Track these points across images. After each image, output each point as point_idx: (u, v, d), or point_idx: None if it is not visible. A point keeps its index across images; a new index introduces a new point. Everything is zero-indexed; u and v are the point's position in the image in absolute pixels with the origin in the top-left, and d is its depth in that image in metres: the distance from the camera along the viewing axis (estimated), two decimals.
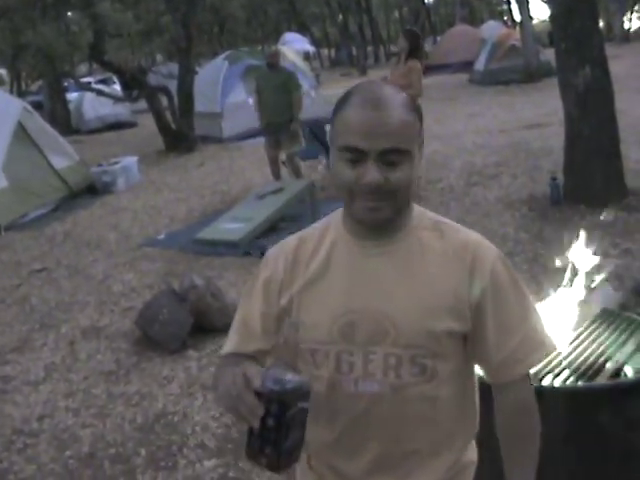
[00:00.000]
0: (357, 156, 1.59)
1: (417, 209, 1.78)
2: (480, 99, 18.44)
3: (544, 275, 5.59)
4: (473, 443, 1.90)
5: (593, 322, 3.46)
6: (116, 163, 13.39)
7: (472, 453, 1.89)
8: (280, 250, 1.84)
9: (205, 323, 5.77)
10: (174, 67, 18.44)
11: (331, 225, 1.80)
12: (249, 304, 1.86)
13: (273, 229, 8.41)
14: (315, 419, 1.81)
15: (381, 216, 1.64)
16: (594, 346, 3.17)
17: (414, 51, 8.71)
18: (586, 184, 7.92)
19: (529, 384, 1.79)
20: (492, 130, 13.55)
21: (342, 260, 1.73)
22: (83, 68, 38.61)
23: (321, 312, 1.71)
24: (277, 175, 10.49)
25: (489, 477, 1.99)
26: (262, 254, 1.94)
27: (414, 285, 1.68)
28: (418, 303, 1.67)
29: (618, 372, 3.02)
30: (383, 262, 1.70)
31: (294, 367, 1.58)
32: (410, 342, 1.66)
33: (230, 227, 8.41)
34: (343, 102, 1.66)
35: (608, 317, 3.51)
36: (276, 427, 1.43)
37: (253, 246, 7.80)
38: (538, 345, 1.74)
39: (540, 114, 14.91)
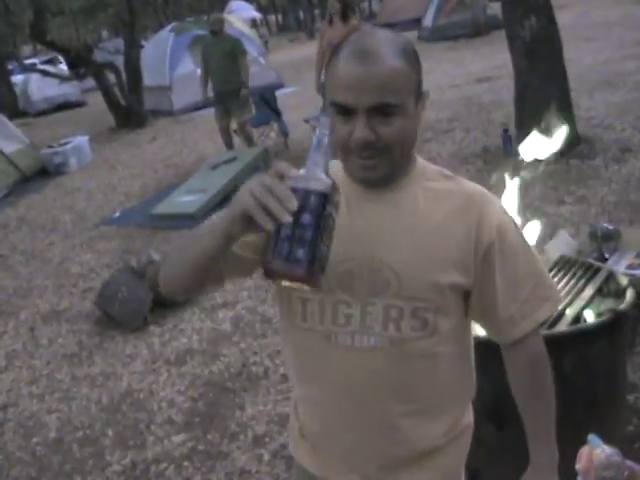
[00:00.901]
0: (346, 112, 1.50)
1: (420, 160, 1.69)
2: (429, 56, 18.34)
3: None
4: (470, 406, 1.86)
5: (551, 269, 3.46)
6: (67, 143, 13.17)
7: (469, 417, 1.85)
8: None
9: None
10: (120, 43, 18.16)
11: (333, 169, 1.68)
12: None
13: (228, 199, 8.29)
14: (306, 377, 1.77)
15: (376, 174, 1.55)
16: None
17: (348, 10, 8.80)
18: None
19: (539, 338, 1.73)
20: (443, 86, 13.51)
21: (342, 204, 1.57)
22: (27, 49, 37.89)
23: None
24: (229, 144, 10.39)
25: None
26: None
27: (418, 235, 1.59)
28: (422, 254, 1.58)
29: (578, 318, 3.03)
30: (386, 209, 1.61)
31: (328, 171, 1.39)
32: (413, 294, 1.58)
33: (185, 200, 8.34)
34: (335, 55, 1.56)
35: (566, 264, 3.52)
36: (313, 224, 1.30)
37: (209, 217, 7.73)
38: (546, 299, 1.70)
39: (490, 67, 14.91)
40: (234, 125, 10.32)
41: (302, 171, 1.34)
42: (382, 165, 1.54)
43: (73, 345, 5.58)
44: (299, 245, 1.28)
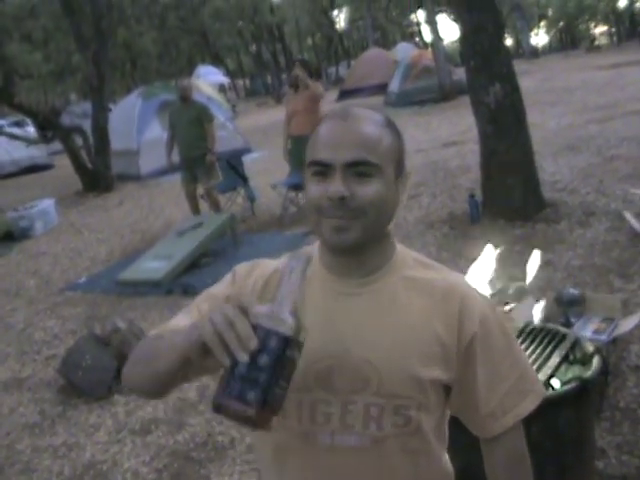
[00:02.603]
0: (323, 169, 1.49)
1: (400, 248, 1.65)
2: (396, 121, 18.13)
3: None
4: None
5: (517, 337, 3.48)
6: (33, 207, 13.12)
7: None
8: (252, 269, 1.69)
9: None
10: (88, 106, 18.23)
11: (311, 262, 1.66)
12: (193, 313, 1.65)
13: (195, 265, 8.33)
14: (282, 474, 1.69)
15: (349, 238, 1.49)
16: None
17: (312, 77, 9.18)
18: (504, 199, 8.03)
19: (520, 433, 1.67)
20: (409, 151, 13.56)
21: (318, 298, 1.58)
22: None
23: None
24: (196, 210, 10.40)
25: None
26: (185, 292, 1.81)
27: (398, 330, 1.55)
28: (403, 349, 1.54)
29: (546, 385, 3.04)
30: (363, 303, 1.57)
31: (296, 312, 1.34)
32: (394, 391, 1.53)
33: (151, 266, 8.30)
34: (321, 122, 1.57)
35: (532, 331, 3.55)
36: (269, 366, 1.24)
37: (175, 284, 7.71)
38: (528, 392, 1.64)
39: (456, 132, 15.15)
40: (201, 190, 10.35)
41: (266, 308, 1.31)
42: (355, 228, 1.49)
43: (35, 414, 5.47)
44: (251, 387, 1.24)
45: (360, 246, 1.53)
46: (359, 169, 1.47)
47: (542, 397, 1.66)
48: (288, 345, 1.27)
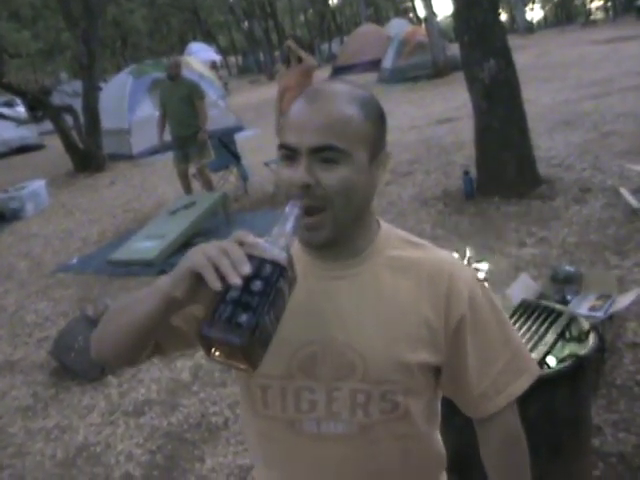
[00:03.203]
0: (290, 154, 1.43)
1: (384, 226, 1.60)
2: (390, 97, 18.53)
3: None
4: (444, 474, 1.77)
5: (512, 315, 3.47)
6: (23, 188, 13.05)
7: None
8: None
9: None
10: (79, 85, 18.12)
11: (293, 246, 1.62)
12: None
13: (188, 244, 8.27)
14: (270, 463, 1.67)
15: (319, 236, 1.45)
16: None
17: (304, 51, 9.22)
18: (498, 176, 8.02)
19: (514, 413, 1.63)
20: (403, 127, 13.65)
21: (300, 282, 1.45)
22: None
23: (276, 342, 1.46)
24: (188, 189, 10.35)
25: None
26: None
27: (383, 313, 1.51)
28: (388, 333, 1.49)
29: (541, 364, 3.03)
30: (346, 287, 1.53)
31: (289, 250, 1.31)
32: (381, 377, 1.50)
33: (143, 246, 8.27)
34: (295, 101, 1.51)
35: (527, 308, 3.53)
36: (262, 292, 1.21)
37: (168, 264, 7.67)
38: (522, 371, 1.60)
39: (450, 108, 15.11)
40: (193, 169, 10.31)
41: (262, 240, 1.30)
42: (325, 224, 1.44)
43: (28, 397, 5.46)
44: (244, 310, 1.20)
45: (333, 241, 1.48)
46: (324, 155, 1.41)
47: (536, 376, 1.63)
48: (281, 275, 1.25)
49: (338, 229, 1.46)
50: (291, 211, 1.36)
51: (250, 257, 1.24)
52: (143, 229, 8.94)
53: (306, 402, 1.54)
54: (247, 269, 1.21)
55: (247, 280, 1.22)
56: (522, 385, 1.60)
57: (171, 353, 1.62)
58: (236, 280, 1.20)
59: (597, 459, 3.52)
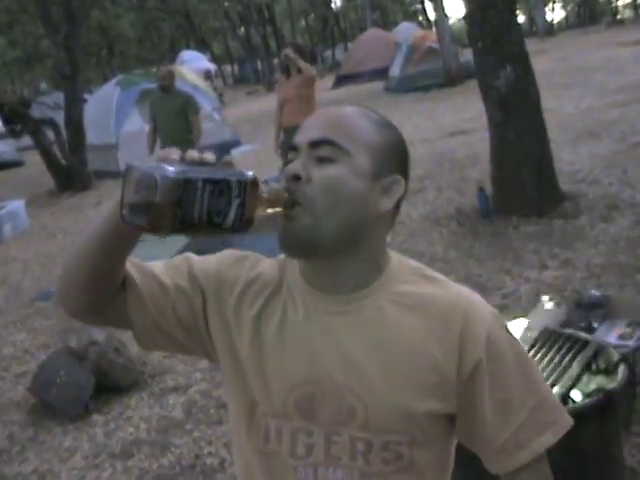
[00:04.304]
0: (293, 155, 1.48)
1: (395, 258, 1.58)
2: (398, 108, 18.61)
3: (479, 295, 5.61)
4: None
5: (533, 345, 3.46)
6: (1, 208, 13.07)
7: None
8: (243, 259, 1.66)
9: (109, 383, 5.62)
10: (61, 96, 18.20)
11: (289, 264, 1.61)
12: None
13: None
14: None
15: (292, 228, 1.43)
16: None
17: (304, 59, 9.18)
18: (517, 193, 8.01)
19: (542, 467, 1.56)
20: (413, 141, 13.63)
21: (299, 315, 1.53)
22: None
23: (273, 378, 1.52)
24: None
25: None
26: None
27: (389, 356, 1.48)
28: (392, 378, 1.47)
29: (565, 399, 3.01)
30: (349, 323, 1.51)
31: None
32: (383, 426, 1.48)
33: None
34: None
35: (549, 337, 3.52)
36: (210, 165, 1.29)
37: None
38: (549, 423, 1.53)
39: (463, 120, 15.13)
40: None
41: None
42: (301, 220, 1.43)
43: (2, 439, 5.41)
44: (186, 168, 1.25)
45: (310, 243, 1.45)
46: (323, 151, 1.44)
47: (567, 428, 1.56)
48: (240, 182, 1.29)
49: (318, 233, 1.44)
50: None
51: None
52: (131, 253, 8.92)
53: (302, 445, 1.53)
54: (211, 156, 1.29)
55: (204, 163, 1.28)
56: (548, 440, 1.54)
57: (146, 334, 1.62)
58: (194, 155, 1.28)
59: None
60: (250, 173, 1.31)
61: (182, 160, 1.28)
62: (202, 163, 1.28)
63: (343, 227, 1.45)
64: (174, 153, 1.29)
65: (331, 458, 1.51)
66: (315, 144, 1.45)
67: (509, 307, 5.62)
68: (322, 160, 1.44)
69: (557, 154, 8.71)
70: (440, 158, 11.88)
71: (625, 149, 10.08)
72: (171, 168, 1.21)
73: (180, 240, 8.51)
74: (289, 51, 9.12)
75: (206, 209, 1.25)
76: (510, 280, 6.27)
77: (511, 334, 1.57)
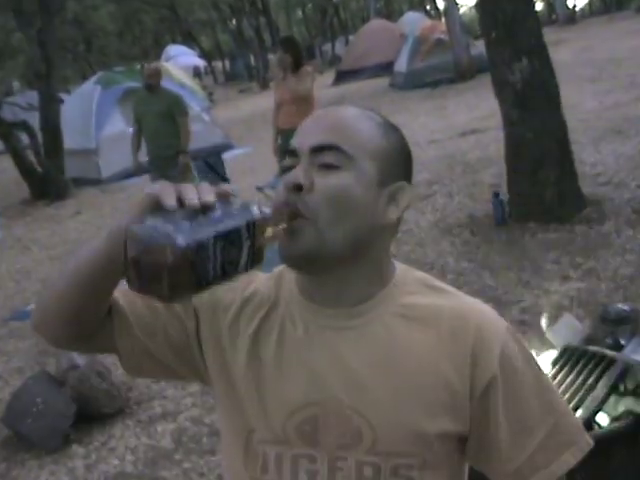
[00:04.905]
0: (292, 160, 1.48)
1: (400, 268, 1.60)
2: (405, 106, 18.68)
3: (494, 309, 5.61)
4: None
5: (555, 363, 3.46)
6: None
7: None
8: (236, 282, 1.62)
9: (91, 410, 5.59)
10: (35, 96, 18.20)
11: (284, 278, 1.61)
12: None
13: None
14: None
15: (297, 246, 1.42)
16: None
17: (299, 60, 9.16)
18: (535, 197, 8.00)
19: None
20: (420, 142, 13.67)
21: (298, 332, 1.54)
22: None
23: (271, 400, 1.52)
24: None
25: None
26: None
27: (397, 373, 1.49)
28: (401, 397, 1.48)
29: (590, 423, 3.01)
30: (353, 340, 1.51)
31: None
32: (392, 448, 1.47)
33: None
34: None
35: (572, 355, 3.52)
36: (218, 220, 1.27)
37: None
38: (567, 445, 1.53)
39: (476, 118, 15.15)
40: None
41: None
42: (305, 234, 1.43)
43: None
44: (194, 228, 1.23)
45: (316, 259, 1.45)
46: (326, 158, 1.45)
47: (587, 450, 1.56)
48: (247, 223, 1.28)
49: (323, 247, 1.44)
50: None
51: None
52: None
53: (304, 473, 1.52)
54: (211, 197, 1.26)
55: (206, 209, 1.26)
56: (568, 462, 1.53)
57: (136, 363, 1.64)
58: (194, 201, 1.24)
59: None
60: (255, 208, 1.31)
61: (181, 205, 1.26)
62: (204, 209, 1.26)
63: (349, 239, 1.46)
64: (169, 196, 1.26)
65: None
66: (318, 149, 1.45)
67: (527, 322, 5.62)
68: (326, 167, 1.44)
69: (579, 155, 8.73)
70: (450, 160, 11.89)
71: None
72: (180, 236, 1.20)
73: None
74: (279, 58, 9.19)
75: (220, 264, 1.27)
76: (528, 293, 6.27)
77: (526, 349, 1.58)
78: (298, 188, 1.42)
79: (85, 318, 1.53)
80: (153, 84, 10.04)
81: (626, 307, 4.65)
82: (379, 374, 1.49)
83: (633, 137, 10.88)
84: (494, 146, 10.79)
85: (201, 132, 15.75)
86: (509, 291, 6.41)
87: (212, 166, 10.96)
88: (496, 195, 8.22)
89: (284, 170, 1.49)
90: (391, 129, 1.55)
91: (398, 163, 1.53)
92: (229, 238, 1.26)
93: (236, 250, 1.28)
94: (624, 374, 3.27)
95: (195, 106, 17.29)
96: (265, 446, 1.54)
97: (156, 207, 1.27)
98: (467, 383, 1.48)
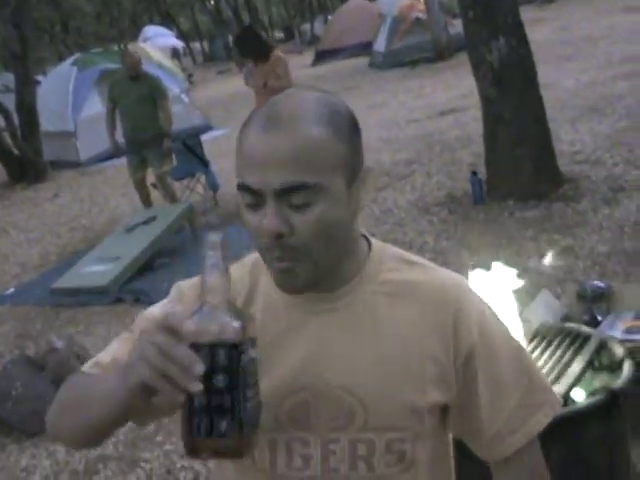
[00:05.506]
0: (254, 198, 1.41)
1: (376, 245, 1.60)
2: (383, 86, 18.64)
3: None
4: None
5: (531, 340, 3.47)
6: None
7: None
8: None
9: None
10: (10, 78, 18.04)
11: (260, 267, 1.57)
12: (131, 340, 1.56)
13: (149, 267, 8.28)
14: None
15: (298, 282, 1.44)
16: None
17: (264, 50, 9.03)
18: (512, 176, 8.03)
19: (535, 451, 1.64)
20: (399, 121, 13.69)
21: (281, 321, 1.54)
22: None
23: (263, 389, 1.46)
24: (147, 201, 10.33)
25: None
26: (137, 299, 1.74)
27: (382, 350, 1.51)
28: (390, 373, 1.50)
29: (566, 399, 3.02)
30: (337, 322, 1.53)
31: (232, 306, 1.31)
32: (385, 424, 1.50)
33: (95, 270, 8.24)
34: (245, 123, 1.46)
35: (548, 332, 3.53)
36: (229, 386, 1.24)
37: (125, 291, 7.67)
38: (539, 405, 1.61)
39: (454, 97, 15.14)
40: (152, 178, 10.26)
41: (197, 317, 1.28)
42: (302, 269, 1.43)
43: None
44: (220, 415, 1.24)
45: (314, 284, 1.48)
46: (295, 199, 1.39)
47: (558, 408, 1.65)
48: (239, 351, 1.25)
49: (319, 272, 1.46)
50: (213, 261, 1.32)
51: (196, 347, 1.24)
52: (94, 250, 8.91)
53: (299, 457, 1.55)
54: (200, 369, 1.22)
55: (207, 378, 1.23)
56: (541, 420, 1.61)
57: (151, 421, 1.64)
58: (195, 388, 1.22)
59: None
60: (229, 334, 1.26)
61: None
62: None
63: (340, 250, 1.49)
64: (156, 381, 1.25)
65: (328, 470, 1.54)
66: (285, 191, 1.39)
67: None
68: (300, 204, 1.40)
69: (556, 133, 8.74)
70: (429, 140, 11.89)
71: (631, 126, 10.07)
72: (223, 427, 1.26)
73: (146, 236, 8.52)
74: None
75: (254, 394, 1.33)
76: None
77: (499, 318, 1.62)
78: (279, 236, 1.39)
79: (101, 440, 1.55)
80: (136, 74, 9.89)
81: (602, 284, 4.68)
82: (366, 352, 1.51)
83: (610, 115, 10.92)
84: (473, 125, 10.79)
85: (180, 114, 15.66)
86: (487, 269, 6.40)
87: (191, 148, 10.90)
88: (474, 174, 8.25)
89: (245, 202, 1.44)
90: (338, 114, 1.47)
91: (356, 152, 1.49)
92: (248, 382, 1.28)
93: (253, 370, 1.31)
94: (599, 350, 3.29)
95: (174, 87, 17.19)
96: (260, 433, 1.52)
97: (151, 391, 1.28)
98: (451, 353, 1.52)
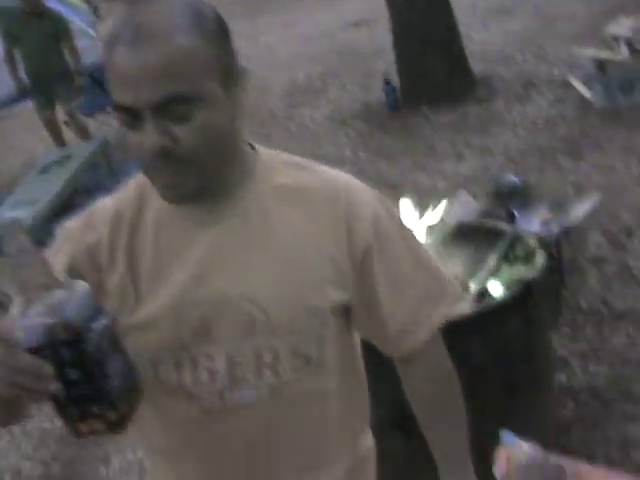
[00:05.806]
0: (132, 117, 1.36)
1: (263, 152, 1.58)
2: (297, 5, 18.33)
3: (392, 195, 5.62)
4: (368, 430, 1.82)
5: (447, 240, 3.47)
6: None
7: (367, 439, 1.81)
8: (88, 222, 1.57)
9: None
10: None
11: (146, 187, 1.52)
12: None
13: (67, 207, 8.11)
14: (170, 454, 1.69)
15: (184, 193, 1.42)
16: (450, 268, 3.13)
17: None
18: (424, 81, 8.02)
19: (439, 345, 1.68)
20: (313, 36, 13.50)
21: (172, 235, 1.52)
22: None
23: (160, 308, 1.49)
24: (60, 140, 10.09)
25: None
26: None
27: (278, 254, 1.50)
28: (288, 277, 1.50)
29: (483, 293, 3.05)
30: (229, 231, 1.51)
31: (54, 281, 1.30)
32: (287, 327, 1.50)
33: (12, 215, 8.09)
34: (108, 37, 1.36)
35: (464, 231, 3.53)
36: (83, 375, 1.23)
37: (44, 233, 7.53)
38: (440, 296, 1.64)
39: (367, 9, 14.96)
40: (63, 115, 10.04)
41: (25, 321, 1.25)
42: (189, 179, 1.41)
43: None
44: (87, 402, 1.26)
45: (203, 191, 1.45)
46: (174, 112, 1.35)
47: (460, 299, 1.69)
48: (81, 340, 1.23)
49: (206, 179, 1.44)
50: (21, 257, 1.34)
51: (35, 350, 1.22)
52: (9, 196, 8.75)
53: (205, 372, 1.53)
54: (48, 370, 1.22)
55: (60, 371, 1.23)
56: (443, 312, 1.64)
57: None
58: (51, 388, 1.23)
59: (565, 397, 3.59)
60: (64, 327, 1.24)
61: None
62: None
63: (225, 158, 1.47)
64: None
65: (236, 381, 1.53)
66: (162, 105, 1.34)
67: (424, 205, 5.66)
68: (180, 116, 1.35)
69: (467, 34, 8.72)
70: (342, 52, 11.76)
71: (541, 24, 10.13)
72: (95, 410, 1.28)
73: (62, 176, 8.38)
74: None
75: (120, 367, 1.34)
76: (425, 176, 6.31)
77: (396, 213, 1.65)
78: (164, 150, 1.36)
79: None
80: (37, 12, 9.51)
81: (517, 179, 4.72)
82: (262, 258, 1.51)
83: (520, 14, 10.96)
84: (386, 35, 10.66)
85: (87, 47, 15.22)
86: (406, 176, 6.43)
87: (99, 81, 10.67)
88: (387, 83, 8.22)
89: (122, 121, 1.39)
90: (210, 17, 1.42)
91: (227, 52, 1.45)
92: (107, 360, 1.28)
93: (107, 344, 1.30)
94: (514, 243, 3.31)
95: (78, 21, 16.76)
96: (160, 354, 1.53)
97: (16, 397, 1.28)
98: (347, 251, 1.53)
